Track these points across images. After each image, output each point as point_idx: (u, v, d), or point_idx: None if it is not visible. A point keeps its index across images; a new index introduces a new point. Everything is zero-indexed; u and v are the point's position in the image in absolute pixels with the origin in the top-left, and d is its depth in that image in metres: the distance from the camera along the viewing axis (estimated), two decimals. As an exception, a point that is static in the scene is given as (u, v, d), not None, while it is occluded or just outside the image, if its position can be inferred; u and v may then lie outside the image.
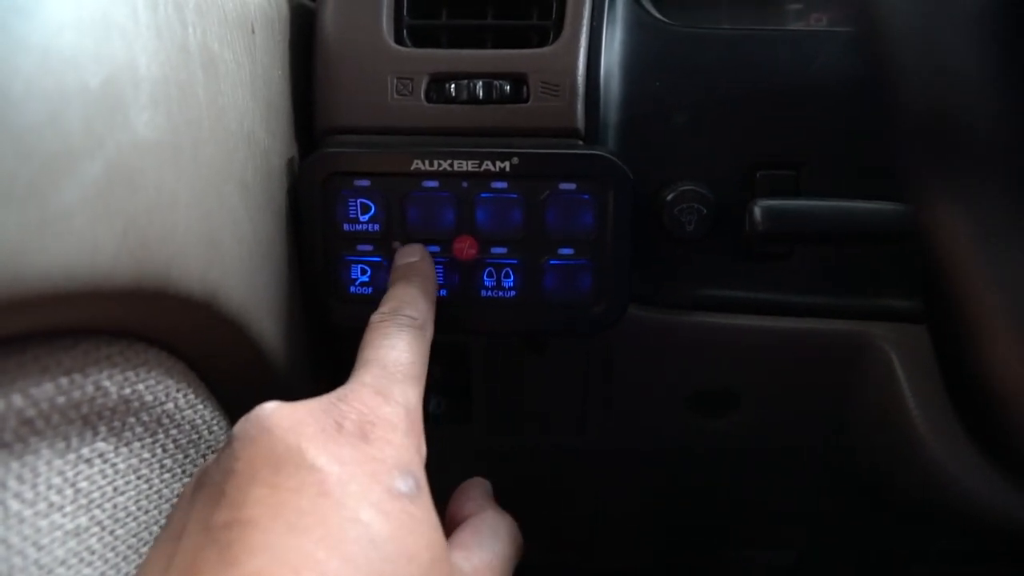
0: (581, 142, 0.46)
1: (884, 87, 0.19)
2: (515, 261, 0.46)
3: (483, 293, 0.46)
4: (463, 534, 0.37)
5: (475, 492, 0.41)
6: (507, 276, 0.46)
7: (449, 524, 0.39)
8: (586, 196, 0.45)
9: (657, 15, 0.49)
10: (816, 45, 0.47)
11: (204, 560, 0.28)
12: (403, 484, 0.32)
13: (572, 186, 0.45)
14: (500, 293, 0.46)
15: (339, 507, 0.29)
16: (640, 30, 0.48)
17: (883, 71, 0.19)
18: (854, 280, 0.49)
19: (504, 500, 0.45)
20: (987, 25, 0.17)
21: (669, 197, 0.46)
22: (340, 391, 0.34)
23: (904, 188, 0.20)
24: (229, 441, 0.32)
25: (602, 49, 0.46)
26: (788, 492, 0.61)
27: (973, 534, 0.59)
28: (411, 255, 0.45)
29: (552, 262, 0.46)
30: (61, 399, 0.30)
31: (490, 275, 0.46)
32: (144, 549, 0.35)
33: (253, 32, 0.41)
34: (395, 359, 0.37)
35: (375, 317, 0.39)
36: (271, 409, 0.32)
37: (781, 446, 0.56)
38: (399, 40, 0.47)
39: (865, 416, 0.51)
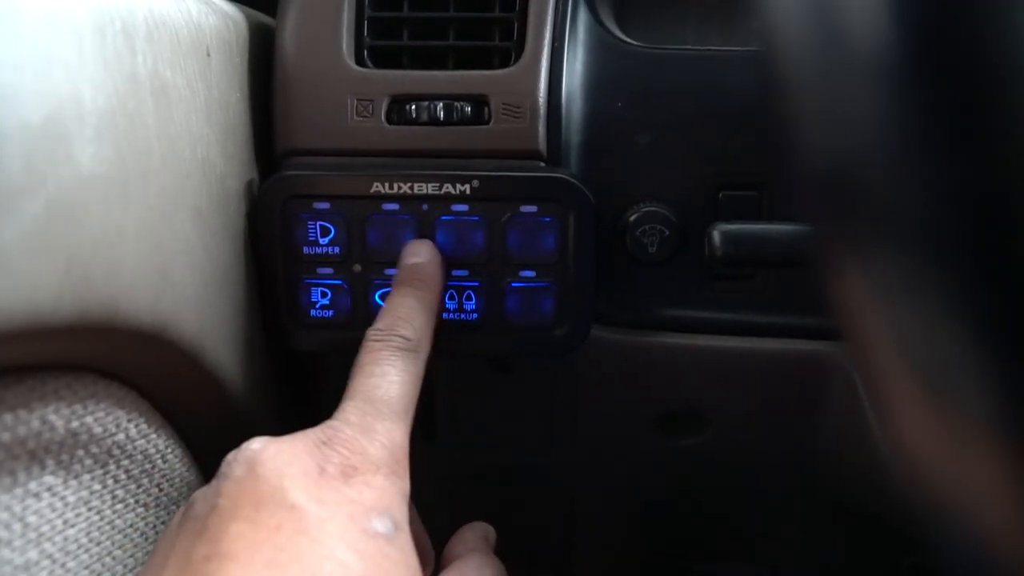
0: (543, 164, 0.46)
1: (786, 133, 0.19)
2: (476, 284, 0.46)
3: (444, 315, 0.46)
4: (447, 574, 0.38)
5: (468, 536, 0.42)
6: (468, 299, 0.46)
7: (442, 565, 0.40)
8: (547, 219, 0.45)
9: (620, 35, 0.49)
10: None
11: None
12: (380, 525, 0.32)
13: (533, 208, 0.45)
14: (462, 316, 0.46)
15: (316, 545, 0.30)
16: (602, 51, 0.48)
17: (785, 118, 0.19)
18: (817, 300, 0.48)
19: (474, 519, 0.45)
20: (889, 79, 0.16)
21: (631, 218, 0.46)
22: (326, 430, 0.35)
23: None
24: (217, 477, 0.33)
25: (564, 70, 0.46)
26: (759, 508, 0.61)
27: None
28: (417, 254, 0.44)
29: (514, 284, 0.46)
30: (6, 435, 0.30)
31: (451, 297, 0.46)
32: (96, 581, 0.35)
33: (209, 56, 0.40)
34: (383, 393, 0.37)
35: (371, 334, 0.39)
36: (258, 448, 0.33)
37: (751, 464, 0.56)
38: (360, 61, 0.46)
39: (831, 435, 0.51)
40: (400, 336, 0.39)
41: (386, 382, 0.37)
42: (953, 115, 0.16)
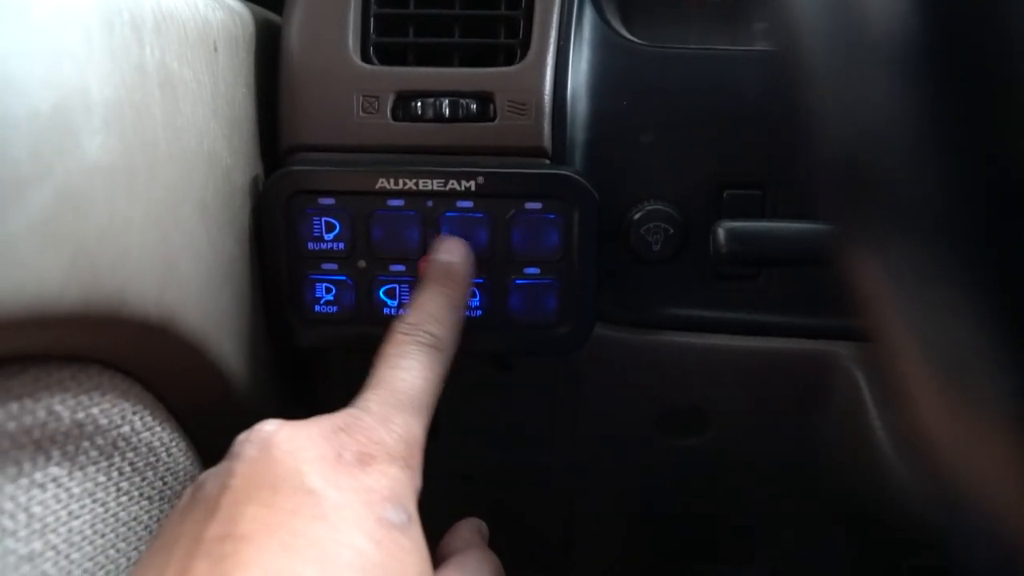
0: (548, 161, 0.46)
1: (803, 123, 0.19)
2: (480, 280, 0.46)
3: None
4: (447, 570, 0.38)
5: (465, 530, 0.42)
6: (472, 295, 0.46)
7: (438, 560, 0.39)
8: (552, 216, 0.45)
9: (624, 34, 0.49)
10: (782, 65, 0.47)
11: (196, 572, 0.28)
12: (395, 515, 0.32)
13: (538, 205, 0.45)
14: (466, 312, 0.46)
15: (333, 531, 0.30)
16: (607, 49, 0.48)
17: (803, 108, 0.19)
18: (821, 300, 0.49)
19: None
20: (908, 69, 0.16)
21: (636, 216, 0.46)
22: (345, 417, 0.35)
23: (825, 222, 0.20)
24: (228, 457, 0.32)
25: (569, 68, 0.46)
26: (760, 509, 0.61)
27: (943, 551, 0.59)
28: (451, 252, 0.43)
29: (518, 281, 0.46)
30: (11, 425, 0.30)
31: None
32: (100, 573, 0.35)
33: (216, 50, 0.40)
34: (407, 386, 0.37)
35: (397, 326, 0.39)
36: (272, 429, 0.33)
37: (752, 464, 0.56)
38: (365, 58, 0.46)
39: (833, 435, 0.51)
40: (428, 332, 0.39)
41: (411, 375, 0.37)
42: (971, 104, 0.16)
